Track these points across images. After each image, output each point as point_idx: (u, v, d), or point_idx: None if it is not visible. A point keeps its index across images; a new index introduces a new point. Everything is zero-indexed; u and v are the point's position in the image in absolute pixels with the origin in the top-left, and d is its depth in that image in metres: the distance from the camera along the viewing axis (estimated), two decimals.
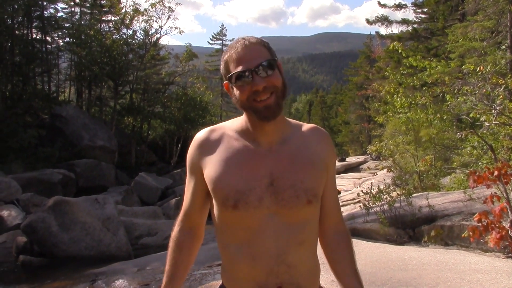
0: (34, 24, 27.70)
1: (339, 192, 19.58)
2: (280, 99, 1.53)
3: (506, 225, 5.53)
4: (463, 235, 5.82)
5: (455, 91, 9.89)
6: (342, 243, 1.72)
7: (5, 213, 12.19)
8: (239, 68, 1.50)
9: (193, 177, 1.69)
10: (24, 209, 13.13)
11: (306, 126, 1.70)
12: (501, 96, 8.88)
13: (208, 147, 1.65)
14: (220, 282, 1.71)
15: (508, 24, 13.85)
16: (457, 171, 11.95)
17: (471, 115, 9.29)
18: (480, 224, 5.44)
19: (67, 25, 30.75)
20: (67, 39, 29.93)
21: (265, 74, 1.50)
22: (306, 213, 1.56)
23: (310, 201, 1.55)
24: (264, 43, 1.58)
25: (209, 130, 1.70)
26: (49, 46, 29.50)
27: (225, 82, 1.60)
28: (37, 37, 28.36)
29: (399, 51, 12.42)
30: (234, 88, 1.54)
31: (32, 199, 13.94)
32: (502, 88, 8.93)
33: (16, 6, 24.40)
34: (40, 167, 19.03)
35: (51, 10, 29.25)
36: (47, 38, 29.11)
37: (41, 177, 17.74)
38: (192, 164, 1.69)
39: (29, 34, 27.42)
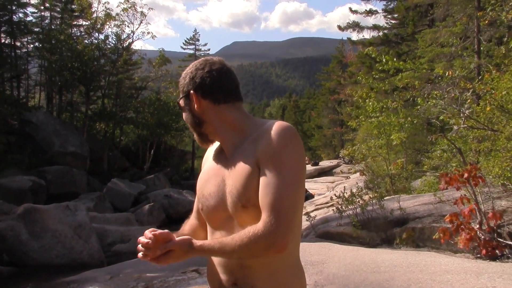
0: (2, 29, 27.14)
1: (312, 196, 19.72)
2: (195, 131, 1.75)
3: (475, 226, 5.65)
4: (434, 236, 5.93)
5: (425, 95, 10.08)
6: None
7: None
8: None
9: None
10: None
11: (264, 126, 1.64)
12: (469, 100, 9.09)
13: (208, 153, 1.86)
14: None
15: (475, 30, 14.17)
16: (428, 174, 12.16)
17: (440, 118, 9.47)
18: (451, 225, 5.56)
19: (37, 29, 30.21)
20: (37, 44, 29.41)
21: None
22: (249, 217, 1.56)
23: (245, 206, 1.57)
24: (182, 79, 1.74)
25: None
26: (18, 51, 28.93)
27: None
28: (6, 42, 27.79)
29: (373, 55, 12.58)
30: None
31: (1, 207, 13.61)
32: (470, 92, 9.13)
33: None
34: (9, 174, 18.60)
35: (20, 15, 28.65)
36: (16, 43, 28.53)
37: (10, 184, 17.35)
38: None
39: None
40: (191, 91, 1.68)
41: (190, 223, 1.91)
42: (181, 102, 1.72)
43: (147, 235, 1.55)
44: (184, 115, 1.75)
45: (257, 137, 1.60)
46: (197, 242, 1.55)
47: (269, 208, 1.48)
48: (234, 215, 1.61)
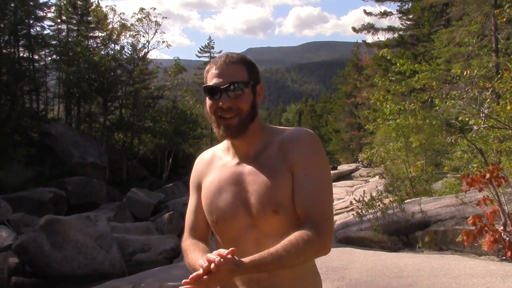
0: (20, 43, 27.59)
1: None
2: (244, 121, 1.61)
3: (499, 227, 5.54)
4: (457, 239, 5.83)
5: (443, 95, 9.96)
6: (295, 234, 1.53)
7: None
8: (213, 81, 1.59)
9: (194, 194, 1.79)
10: (15, 229, 12.97)
11: (286, 132, 1.69)
12: (488, 100, 8.95)
13: (202, 167, 1.78)
14: None
15: (493, 28, 14.00)
16: (448, 175, 12.00)
17: (459, 119, 9.34)
18: (474, 227, 5.46)
19: (54, 42, 30.64)
20: (55, 56, 29.82)
21: (234, 94, 1.57)
22: (278, 223, 1.57)
23: (276, 211, 1.56)
24: (247, 63, 1.64)
25: (203, 153, 1.84)
26: (37, 64, 29.35)
27: None
28: (24, 56, 28.23)
29: (388, 57, 12.49)
30: (206, 99, 1.63)
31: (23, 219, 13.77)
32: (489, 92, 8.99)
33: (2, 25, 24.32)
34: (31, 186, 18.83)
35: (38, 28, 29.11)
36: (34, 56, 28.96)
37: (31, 196, 17.55)
38: (192, 183, 1.81)
39: (16, 52, 27.30)
40: (259, 85, 1.69)
41: (198, 247, 1.67)
42: (247, 89, 1.61)
43: (210, 259, 1.37)
44: (240, 100, 1.59)
45: (283, 144, 1.63)
46: (245, 259, 1.41)
47: (315, 212, 1.54)
48: (260, 222, 1.58)
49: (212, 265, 1.35)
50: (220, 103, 1.57)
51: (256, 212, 1.58)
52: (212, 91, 1.59)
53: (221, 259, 1.36)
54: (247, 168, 1.65)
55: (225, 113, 1.58)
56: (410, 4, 28.38)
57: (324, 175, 1.60)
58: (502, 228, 5.53)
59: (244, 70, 1.62)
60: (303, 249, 1.47)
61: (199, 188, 1.77)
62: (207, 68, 1.66)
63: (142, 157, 32.46)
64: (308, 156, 1.60)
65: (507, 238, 5.44)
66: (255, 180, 1.61)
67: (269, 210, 1.56)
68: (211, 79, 1.60)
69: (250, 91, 1.62)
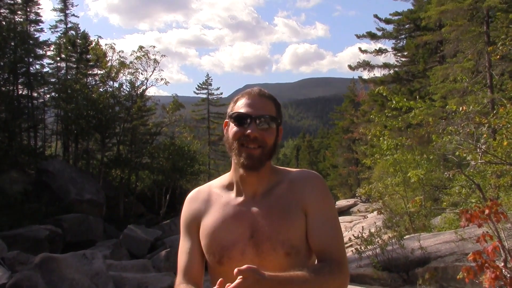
0: (20, 80, 27.85)
1: None
2: (265, 155, 1.61)
3: (500, 264, 5.49)
4: (458, 276, 5.76)
5: (440, 131, 10.01)
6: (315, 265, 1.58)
7: None
8: (243, 110, 1.60)
9: (188, 235, 1.73)
10: (9, 267, 12.75)
11: (293, 173, 1.71)
12: (485, 135, 9.00)
13: (199, 205, 1.72)
14: None
15: (487, 64, 14.21)
16: (447, 210, 11.95)
17: (457, 154, 9.37)
18: (475, 263, 5.40)
19: (53, 80, 30.94)
20: (53, 94, 30.03)
21: (262, 126, 1.59)
22: (287, 264, 1.55)
23: (288, 253, 1.56)
24: (276, 102, 1.69)
25: (197, 190, 1.78)
26: (35, 102, 29.57)
27: (226, 120, 1.68)
28: (23, 93, 28.45)
29: (384, 94, 12.60)
30: (230, 125, 1.63)
31: (18, 257, 13.54)
32: (486, 127, 9.05)
33: (1, 64, 24.58)
34: (27, 224, 18.66)
35: (37, 66, 29.51)
36: (33, 93, 29.21)
37: (27, 234, 17.36)
38: (185, 223, 1.74)
39: (15, 90, 27.52)
40: (281, 126, 1.70)
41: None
42: (274, 125, 1.64)
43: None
44: (267, 133, 1.61)
45: (294, 185, 1.66)
46: (270, 273, 1.37)
47: (335, 251, 1.57)
48: (269, 262, 1.54)
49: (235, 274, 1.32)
50: (248, 132, 1.58)
51: (266, 253, 1.56)
52: (241, 118, 1.60)
53: (245, 267, 1.32)
54: (255, 207, 1.63)
55: (249, 143, 1.59)
56: (404, 41, 28.85)
57: (335, 215, 1.67)
58: (502, 264, 5.48)
59: (274, 107, 1.67)
60: (327, 281, 1.48)
61: (194, 228, 1.71)
62: (236, 98, 1.68)
63: (139, 194, 32.29)
64: (321, 198, 1.64)
65: (508, 275, 5.38)
66: (266, 220, 1.59)
67: (282, 252, 1.56)
68: (241, 108, 1.62)
69: (275, 128, 1.65)
